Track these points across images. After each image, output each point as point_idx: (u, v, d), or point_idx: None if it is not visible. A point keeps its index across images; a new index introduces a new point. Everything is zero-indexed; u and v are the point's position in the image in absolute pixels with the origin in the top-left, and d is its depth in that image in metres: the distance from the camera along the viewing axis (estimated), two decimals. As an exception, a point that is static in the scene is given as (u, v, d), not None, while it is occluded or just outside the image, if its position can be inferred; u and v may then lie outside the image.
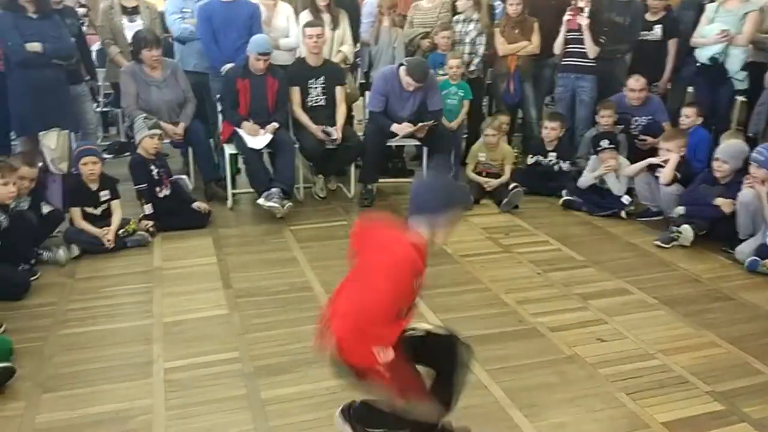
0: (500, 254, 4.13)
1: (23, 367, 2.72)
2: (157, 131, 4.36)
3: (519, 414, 2.52)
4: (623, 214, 4.76)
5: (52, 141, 4.42)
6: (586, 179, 4.93)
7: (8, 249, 3.45)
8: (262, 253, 4.04)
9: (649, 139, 5.05)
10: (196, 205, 4.47)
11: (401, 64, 4.81)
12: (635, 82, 5.17)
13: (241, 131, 4.64)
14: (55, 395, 2.58)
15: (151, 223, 4.22)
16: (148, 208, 4.27)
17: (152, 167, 4.32)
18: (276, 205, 4.41)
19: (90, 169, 4.01)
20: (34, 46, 4.24)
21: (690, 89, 5.88)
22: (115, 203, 4.14)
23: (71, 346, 2.94)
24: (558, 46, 5.52)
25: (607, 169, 4.80)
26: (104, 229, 3.98)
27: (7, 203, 3.41)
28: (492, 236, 4.41)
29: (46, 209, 4.01)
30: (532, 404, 2.57)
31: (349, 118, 5.29)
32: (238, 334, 3.06)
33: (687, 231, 4.21)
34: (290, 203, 4.54)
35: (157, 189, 4.34)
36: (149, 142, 4.29)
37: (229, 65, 4.81)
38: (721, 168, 4.26)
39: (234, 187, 4.95)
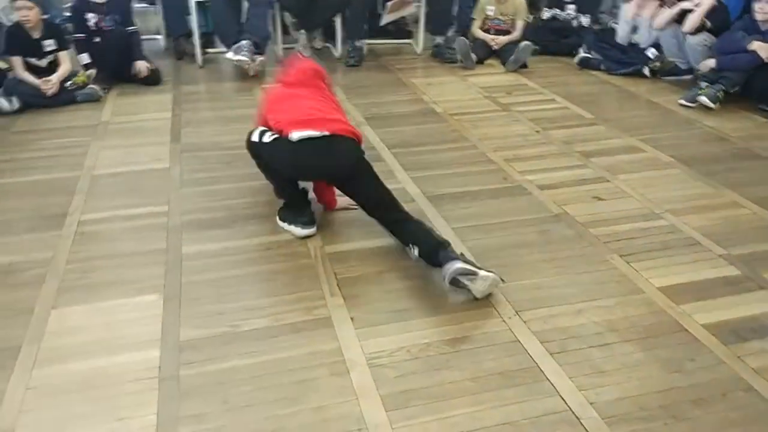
0: (496, 113, 3.59)
1: None
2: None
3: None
4: (647, 71, 4.13)
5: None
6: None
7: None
8: (226, 109, 3.58)
9: None
10: (136, 65, 3.89)
11: None
12: None
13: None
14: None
15: (94, 71, 3.74)
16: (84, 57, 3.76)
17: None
18: (245, 58, 3.89)
19: (24, 14, 3.50)
20: None
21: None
22: (63, 54, 3.68)
23: (-19, 197, 2.59)
24: None
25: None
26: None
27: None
28: (491, 95, 3.86)
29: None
30: (500, 264, 2.12)
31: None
32: (174, 188, 2.67)
33: (709, 92, 3.58)
34: (263, 58, 4.01)
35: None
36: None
37: None
38: (764, 9, 3.55)
39: (213, 45, 4.44)
